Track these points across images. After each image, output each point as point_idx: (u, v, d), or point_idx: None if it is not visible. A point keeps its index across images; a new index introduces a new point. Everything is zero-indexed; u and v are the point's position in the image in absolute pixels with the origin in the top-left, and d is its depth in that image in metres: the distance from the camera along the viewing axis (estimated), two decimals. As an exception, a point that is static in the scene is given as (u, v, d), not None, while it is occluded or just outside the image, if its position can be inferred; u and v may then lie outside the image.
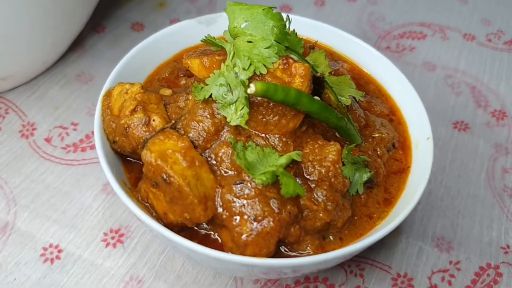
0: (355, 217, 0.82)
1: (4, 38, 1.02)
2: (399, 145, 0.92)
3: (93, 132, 1.14)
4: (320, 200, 0.76)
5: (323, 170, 0.78)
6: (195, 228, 0.80)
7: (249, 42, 0.78)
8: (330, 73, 0.92)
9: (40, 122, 1.15)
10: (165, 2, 1.53)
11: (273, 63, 0.77)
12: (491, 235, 1.03)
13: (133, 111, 0.81)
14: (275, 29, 0.78)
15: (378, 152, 0.88)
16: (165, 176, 0.73)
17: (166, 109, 0.85)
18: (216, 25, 1.04)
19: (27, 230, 0.97)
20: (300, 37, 0.90)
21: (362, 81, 1.02)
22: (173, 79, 0.98)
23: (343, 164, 0.80)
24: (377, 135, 0.89)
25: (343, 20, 1.54)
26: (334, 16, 1.55)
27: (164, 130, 0.79)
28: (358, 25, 1.53)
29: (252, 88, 0.72)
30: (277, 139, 0.79)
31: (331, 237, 0.80)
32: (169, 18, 1.47)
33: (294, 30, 0.89)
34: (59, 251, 0.95)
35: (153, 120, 0.80)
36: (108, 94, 0.86)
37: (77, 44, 1.34)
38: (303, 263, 0.71)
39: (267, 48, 0.77)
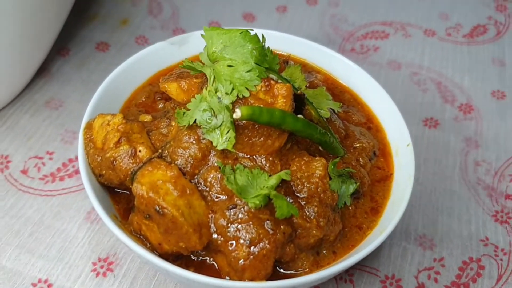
0: (346, 229, 0.85)
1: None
2: (380, 153, 0.95)
3: (70, 160, 1.12)
4: (312, 217, 0.78)
5: (312, 187, 0.80)
6: (190, 255, 0.80)
7: (230, 66, 0.79)
8: (306, 86, 0.94)
9: (13, 154, 1.12)
10: (128, 19, 1.51)
11: (255, 86, 0.78)
12: (470, 229, 1.08)
13: (117, 143, 0.80)
14: (254, 51, 0.79)
15: (361, 162, 0.90)
16: (158, 208, 0.73)
17: (149, 136, 0.84)
18: (188, 45, 1.04)
19: (13, 268, 0.95)
20: (274, 52, 0.91)
21: (337, 90, 1.04)
22: (150, 103, 0.97)
23: (330, 178, 0.82)
24: (358, 145, 0.92)
25: (306, 25, 1.57)
26: (297, 21, 1.57)
27: (151, 160, 0.79)
28: (321, 29, 1.56)
29: (238, 113, 0.73)
30: (264, 159, 0.80)
31: (324, 252, 0.82)
32: (134, 36, 1.46)
33: (269, 48, 0.90)
34: (49, 285, 0.94)
35: (139, 151, 0.79)
36: (89, 127, 0.85)
37: (43, 69, 1.31)
38: (301, 282, 0.73)
39: (248, 71, 0.78)
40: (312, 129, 0.81)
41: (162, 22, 1.52)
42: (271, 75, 0.81)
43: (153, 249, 0.78)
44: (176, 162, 0.80)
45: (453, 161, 1.21)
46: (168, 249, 0.76)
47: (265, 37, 0.87)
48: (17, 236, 1.00)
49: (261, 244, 0.74)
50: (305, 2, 1.66)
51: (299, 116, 0.80)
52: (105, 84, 0.93)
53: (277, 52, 1.08)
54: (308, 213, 0.78)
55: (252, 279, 0.74)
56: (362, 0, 1.67)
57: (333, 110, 0.93)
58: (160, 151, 0.81)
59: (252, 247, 0.74)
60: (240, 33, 0.79)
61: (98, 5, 1.54)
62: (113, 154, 0.79)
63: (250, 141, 0.79)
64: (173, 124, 0.83)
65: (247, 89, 0.78)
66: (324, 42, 1.52)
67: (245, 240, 0.74)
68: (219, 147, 0.78)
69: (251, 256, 0.73)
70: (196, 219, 0.75)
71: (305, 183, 0.80)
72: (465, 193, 1.15)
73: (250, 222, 0.74)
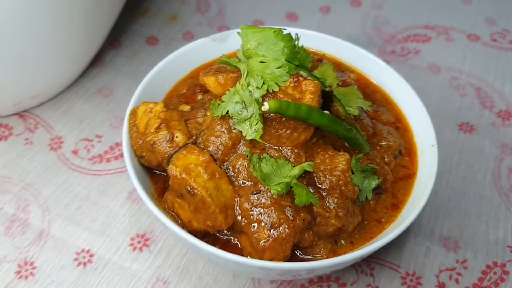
0: (365, 222, 0.88)
1: (34, 59, 1.09)
2: (406, 152, 0.98)
3: (116, 144, 1.22)
4: (331, 207, 0.83)
5: (334, 179, 0.84)
6: (217, 234, 0.86)
7: (262, 62, 0.84)
8: (338, 84, 0.98)
9: (67, 136, 1.23)
10: (177, 16, 1.60)
11: (284, 81, 0.83)
12: (498, 234, 1.09)
13: (158, 128, 0.88)
14: (285, 49, 0.84)
15: (386, 159, 0.94)
16: (189, 188, 0.80)
17: (186, 125, 0.91)
18: (229, 42, 1.10)
19: (61, 237, 1.05)
20: (309, 50, 0.96)
21: (369, 90, 1.08)
22: (190, 95, 1.05)
23: (353, 173, 0.86)
24: (384, 143, 0.95)
25: (348, 26, 1.60)
26: (339, 22, 1.61)
27: (186, 145, 0.86)
28: (363, 30, 1.59)
29: (266, 106, 0.79)
30: (290, 151, 0.86)
31: (342, 241, 0.86)
32: (182, 31, 1.54)
33: (302, 46, 0.95)
34: (91, 255, 1.03)
35: (176, 137, 0.86)
36: (133, 113, 0.93)
37: (97, 59, 1.41)
38: (316, 266, 0.78)
39: (278, 68, 0.83)
40: (338, 125, 0.86)
41: (208, 19, 1.60)
42: (301, 72, 0.86)
43: (183, 226, 0.85)
44: (208, 149, 0.86)
45: (486, 166, 1.22)
46: (197, 226, 0.83)
47: (299, 36, 0.92)
48: (65, 209, 1.10)
49: (281, 228, 0.79)
50: (349, 3, 1.69)
51: (325, 111, 0.85)
52: (150, 76, 1.01)
53: (312, 50, 1.13)
54: (328, 204, 0.83)
55: (271, 259, 0.80)
56: (406, 3, 1.69)
57: (362, 108, 0.97)
58: (194, 138, 0.88)
59: (272, 230, 0.79)
60: (274, 31, 0.84)
61: (149, 1, 1.64)
62: (153, 138, 0.87)
63: (277, 133, 0.84)
64: (208, 114, 0.90)
65: (277, 84, 0.83)
66: (365, 43, 1.55)
67: (266, 224, 0.80)
68: (248, 137, 0.84)
69: (271, 239, 0.79)
70: (223, 201, 0.82)
71: (327, 176, 0.84)
72: (495, 198, 1.15)
73: (272, 208, 0.80)
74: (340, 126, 0.86)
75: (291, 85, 0.83)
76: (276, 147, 0.86)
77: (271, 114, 0.83)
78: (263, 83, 0.83)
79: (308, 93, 0.83)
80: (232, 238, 0.87)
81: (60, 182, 1.14)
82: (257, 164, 0.82)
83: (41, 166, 1.17)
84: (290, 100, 0.82)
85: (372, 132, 0.97)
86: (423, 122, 0.98)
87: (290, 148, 0.85)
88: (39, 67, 1.13)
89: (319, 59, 1.04)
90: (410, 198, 0.90)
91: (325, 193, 0.84)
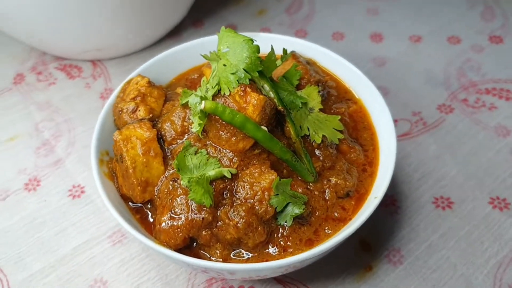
0: (270, 244, 0.88)
1: (109, 19, 1.28)
2: (356, 196, 0.93)
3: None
4: (234, 217, 0.85)
5: (250, 193, 0.86)
6: (143, 207, 0.95)
7: (224, 65, 0.89)
8: (320, 109, 0.97)
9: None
10: (265, 11, 1.67)
11: (234, 87, 0.87)
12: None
13: (133, 98, 0.99)
14: (247, 59, 0.87)
15: (326, 195, 0.91)
16: (120, 156, 0.91)
17: (164, 104, 1.01)
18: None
19: (69, 169, 1.24)
20: (324, 69, 0.97)
21: (361, 125, 1.03)
22: (196, 81, 1.13)
23: (277, 194, 0.87)
24: (334, 179, 0.92)
25: (434, 59, 1.49)
26: (426, 52, 1.52)
27: (142, 120, 0.95)
28: (446, 68, 1.47)
29: (202, 105, 0.84)
30: (227, 154, 0.89)
31: (241, 252, 0.88)
32: (261, 27, 1.61)
33: (294, 65, 0.96)
34: (82, 192, 1.20)
35: (139, 110, 0.97)
36: (128, 82, 1.06)
37: (176, 33, 1.57)
38: (206, 265, 0.82)
39: (232, 73, 0.87)
40: (273, 144, 0.87)
41: (293, 20, 1.64)
42: (265, 86, 0.88)
43: (118, 188, 0.96)
44: (162, 130, 0.95)
45: None
46: (125, 192, 0.93)
47: (287, 52, 0.94)
48: (83, 149, 1.29)
49: (179, 218, 0.85)
50: (446, 38, 1.57)
51: (263, 127, 0.87)
52: (165, 54, 1.12)
53: (326, 69, 1.12)
54: (233, 213, 0.85)
55: (165, 242, 0.86)
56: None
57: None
58: (151, 115, 0.97)
59: (173, 217, 0.85)
60: (243, 40, 0.88)
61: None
62: (123, 106, 0.98)
63: (218, 133, 0.89)
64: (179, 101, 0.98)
65: (228, 88, 0.87)
66: (439, 81, 1.44)
67: (170, 210, 0.86)
68: (192, 130, 0.90)
69: (168, 224, 0.85)
70: (146, 176, 0.90)
71: (246, 187, 0.86)
72: None
73: (180, 197, 0.86)
74: (275, 146, 0.87)
75: (238, 93, 0.86)
76: (216, 147, 0.90)
77: (218, 115, 0.87)
78: (217, 84, 0.88)
79: (251, 105, 0.85)
80: (151, 214, 0.94)
81: (92, 126, 1.33)
82: (189, 155, 0.88)
83: (86, 108, 1.38)
84: (227, 106, 0.85)
85: (330, 165, 0.94)
86: (386, 172, 0.91)
87: (228, 151, 0.89)
88: (109, 25, 1.31)
89: (322, 81, 1.03)
90: (329, 240, 0.86)
91: (236, 203, 0.86)
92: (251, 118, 0.85)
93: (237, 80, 0.86)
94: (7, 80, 1.46)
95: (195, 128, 0.89)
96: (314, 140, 0.94)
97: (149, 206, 0.95)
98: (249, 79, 0.87)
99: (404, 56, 1.51)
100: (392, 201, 1.17)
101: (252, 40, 0.88)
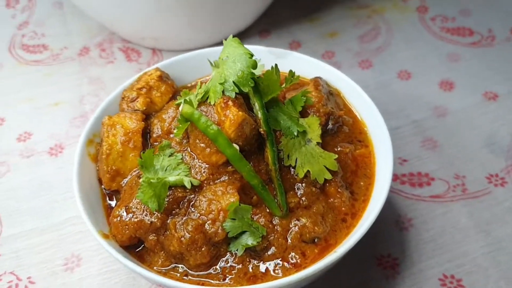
0: (213, 269, 0.83)
1: (168, 10, 1.31)
2: (323, 245, 0.84)
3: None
4: (180, 230, 0.81)
5: (206, 210, 0.81)
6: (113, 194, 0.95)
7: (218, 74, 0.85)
8: (318, 143, 0.89)
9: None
10: (338, 34, 1.60)
11: (217, 99, 0.83)
12: None
13: (138, 89, 0.99)
14: (239, 72, 0.83)
15: (290, 235, 0.83)
16: (101, 140, 0.91)
17: (169, 101, 1.00)
18: (283, 60, 1.09)
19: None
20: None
21: (362, 172, 0.92)
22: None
23: (234, 219, 0.81)
24: (303, 220, 0.84)
25: (505, 121, 1.31)
26: (498, 111, 1.34)
27: (135, 111, 0.95)
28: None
29: (180, 107, 0.82)
30: (201, 165, 0.86)
31: (180, 267, 0.83)
32: (326, 49, 1.55)
33: (303, 91, 0.91)
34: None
35: (137, 101, 0.97)
36: (146, 73, 1.06)
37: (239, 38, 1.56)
38: (135, 270, 0.79)
39: (221, 83, 0.83)
40: (241, 165, 0.81)
41: (362, 49, 1.54)
42: (256, 104, 0.84)
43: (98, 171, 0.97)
44: (152, 125, 0.94)
45: None
46: (100, 174, 0.93)
47: (294, 73, 0.88)
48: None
49: (130, 215, 0.83)
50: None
51: (235, 145, 0.81)
52: (193, 54, 1.11)
53: (349, 103, 1.03)
54: (181, 225, 0.81)
55: (113, 236, 0.85)
56: None
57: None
58: (145, 108, 0.96)
59: (125, 213, 0.84)
60: (242, 52, 0.84)
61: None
62: (126, 94, 0.99)
63: (195, 141, 0.85)
64: (181, 101, 0.96)
65: (214, 98, 0.84)
66: (502, 148, 1.26)
67: (126, 205, 0.84)
68: (175, 132, 0.88)
69: (118, 219, 0.84)
70: (118, 166, 0.89)
71: (204, 204, 0.82)
72: None
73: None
74: (243, 167, 0.81)
75: (220, 104, 0.82)
76: (193, 155, 0.87)
77: (199, 123, 0.84)
78: (205, 92, 0.85)
79: (228, 120, 0.81)
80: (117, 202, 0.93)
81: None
82: (162, 155, 0.86)
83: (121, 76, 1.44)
84: (203, 114, 0.82)
85: (307, 204, 0.86)
86: (358, 231, 0.81)
87: (202, 162, 0.86)
88: (167, 16, 1.34)
89: (333, 114, 0.95)
90: (272, 282, 0.78)
91: (189, 217, 0.82)
92: (226, 133, 0.81)
93: (223, 91, 0.82)
94: (74, 50, 1.56)
95: (176, 130, 0.87)
96: (297, 174, 0.86)
97: (119, 196, 0.94)
98: (238, 94, 0.82)
99: (470, 112, 1.34)
100: (393, 264, 1.04)
101: (251, 54, 0.83)
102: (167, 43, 1.48)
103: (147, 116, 0.97)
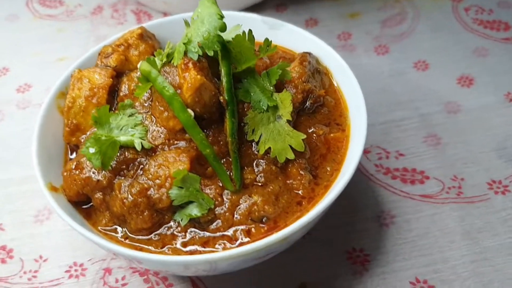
0: (153, 236, 0.79)
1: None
2: (271, 226, 0.79)
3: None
4: (124, 192, 0.78)
5: (154, 174, 0.78)
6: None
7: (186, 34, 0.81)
8: (288, 120, 0.84)
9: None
10: (359, 15, 1.51)
11: (180, 59, 0.78)
12: None
13: (117, 45, 0.96)
14: (206, 33, 0.78)
15: (237, 212, 0.78)
16: (67, 90, 0.89)
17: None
18: (278, 32, 1.03)
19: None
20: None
21: (333, 156, 0.86)
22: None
23: (181, 187, 0.77)
24: (255, 198, 0.79)
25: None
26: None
27: (107, 67, 0.92)
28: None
29: (139, 64, 0.78)
30: (158, 128, 0.82)
31: (123, 230, 0.81)
32: (343, 30, 1.46)
33: (280, 64, 0.85)
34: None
35: (111, 57, 0.94)
36: (134, 30, 1.02)
37: (253, 11, 1.51)
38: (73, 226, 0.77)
39: (184, 43, 0.79)
40: (194, 132, 0.77)
41: (382, 34, 1.45)
42: (204, 63, 0.79)
43: (65, 124, 0.95)
44: (122, 84, 0.91)
45: None
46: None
47: (271, 42, 0.83)
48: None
49: (78, 171, 0.81)
50: None
51: (189, 110, 0.77)
52: (187, 15, 1.06)
53: (336, 84, 0.96)
54: (127, 187, 0.78)
55: (63, 189, 0.83)
56: None
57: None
58: (116, 65, 0.93)
59: (75, 168, 0.82)
60: (212, 12, 0.79)
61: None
62: (104, 49, 0.96)
63: (155, 103, 0.82)
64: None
65: (177, 59, 0.79)
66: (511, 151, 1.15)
67: (77, 160, 0.82)
68: (135, 92, 0.84)
69: (69, 173, 0.82)
70: (78, 121, 0.87)
71: (154, 168, 0.78)
72: None
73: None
74: (196, 135, 0.77)
75: (181, 66, 0.78)
76: (153, 118, 0.83)
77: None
78: (171, 51, 0.81)
79: (186, 83, 0.76)
80: (74, 158, 0.91)
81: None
82: (122, 114, 0.83)
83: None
84: (161, 75, 0.78)
85: (263, 183, 0.81)
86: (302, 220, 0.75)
87: (160, 126, 0.82)
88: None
89: (312, 92, 0.89)
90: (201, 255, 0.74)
91: (135, 179, 0.79)
92: (183, 98, 0.76)
93: (185, 52, 0.77)
94: (88, 8, 1.55)
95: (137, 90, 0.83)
96: (259, 150, 0.81)
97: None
98: (205, 57, 0.78)
99: (485, 112, 1.23)
100: (364, 260, 0.97)
101: (221, 16, 0.78)
102: (177, 7, 1.44)
103: (120, 74, 0.93)
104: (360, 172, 1.12)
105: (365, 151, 1.16)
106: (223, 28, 0.77)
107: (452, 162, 1.13)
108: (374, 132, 1.20)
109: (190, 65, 0.77)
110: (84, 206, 0.85)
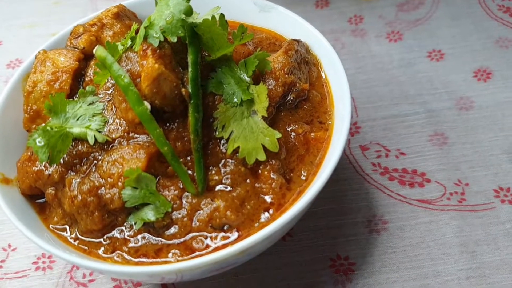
0: (104, 239, 0.73)
1: None
2: (233, 233, 0.71)
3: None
4: (74, 189, 0.71)
5: (106, 172, 0.71)
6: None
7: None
8: (263, 117, 0.75)
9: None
10: (374, -1, 1.39)
11: (140, 44, 0.71)
12: None
13: (90, 25, 0.89)
14: (169, 16, 0.70)
15: (196, 218, 0.71)
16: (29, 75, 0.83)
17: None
18: (269, 15, 0.94)
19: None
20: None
21: (311, 158, 0.77)
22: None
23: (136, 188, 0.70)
24: (216, 203, 0.71)
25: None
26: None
27: (75, 48, 0.85)
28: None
29: (95, 48, 0.71)
30: (118, 119, 0.75)
31: (73, 230, 0.75)
32: (355, 13, 1.35)
33: (258, 54, 0.76)
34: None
35: (80, 38, 0.86)
36: (111, 8, 0.95)
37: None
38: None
39: (145, 26, 0.71)
40: (151, 127, 0.69)
41: (397, 18, 1.33)
42: (167, 50, 0.70)
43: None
44: (88, 68, 0.84)
45: None
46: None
47: (246, 29, 0.74)
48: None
49: (30, 163, 0.75)
50: None
51: (146, 103, 0.69)
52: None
53: (325, 77, 0.87)
54: (77, 184, 0.72)
55: (17, 180, 0.78)
56: None
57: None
58: (84, 48, 0.86)
59: (28, 160, 0.76)
60: (180, -1, 0.70)
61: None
62: (77, 29, 0.89)
63: (115, 92, 0.75)
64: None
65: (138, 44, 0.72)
66: None
67: (31, 150, 0.76)
68: (94, 78, 0.77)
69: (23, 165, 0.76)
70: (39, 107, 0.81)
71: (107, 165, 0.71)
72: None
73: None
74: (152, 130, 0.69)
75: (140, 53, 0.70)
76: (113, 109, 0.76)
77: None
78: (134, 34, 0.73)
79: (144, 72, 0.69)
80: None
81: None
82: (81, 102, 0.76)
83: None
84: (117, 62, 0.70)
85: (229, 185, 0.73)
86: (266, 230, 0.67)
87: (120, 117, 0.75)
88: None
89: (294, 85, 0.80)
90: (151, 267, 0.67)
91: (87, 176, 0.72)
92: (141, 88, 0.69)
93: (145, 37, 0.69)
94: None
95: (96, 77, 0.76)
96: (227, 149, 0.73)
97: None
98: (165, 42, 0.70)
99: (501, 109, 1.11)
100: (348, 269, 0.89)
101: (190, 6, 0.69)
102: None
103: (90, 57, 0.86)
104: (354, 170, 1.03)
105: (363, 148, 1.07)
106: (189, 11, 0.69)
107: (457, 165, 1.02)
108: (375, 127, 1.10)
109: (149, 52, 0.69)
110: (38, 200, 0.79)
